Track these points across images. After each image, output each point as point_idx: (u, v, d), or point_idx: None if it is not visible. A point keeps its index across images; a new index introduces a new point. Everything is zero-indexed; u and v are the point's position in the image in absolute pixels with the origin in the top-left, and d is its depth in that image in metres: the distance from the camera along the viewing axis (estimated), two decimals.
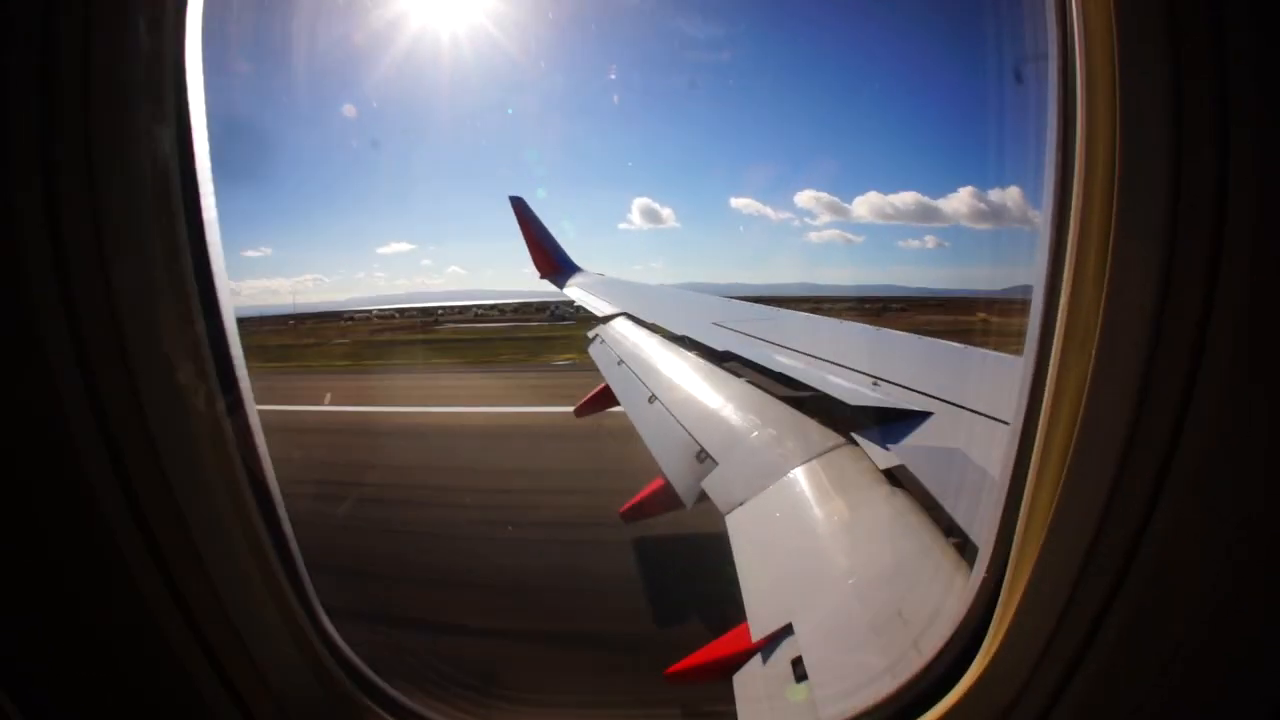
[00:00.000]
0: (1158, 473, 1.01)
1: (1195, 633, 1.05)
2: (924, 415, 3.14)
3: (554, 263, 12.36)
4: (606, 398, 5.99)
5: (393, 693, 1.49)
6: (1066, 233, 1.07)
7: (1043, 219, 1.12)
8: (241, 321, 1.33)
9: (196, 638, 1.24)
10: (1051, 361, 1.11)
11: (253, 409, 1.33)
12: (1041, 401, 1.13)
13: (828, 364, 4.37)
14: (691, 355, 5.54)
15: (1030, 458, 1.16)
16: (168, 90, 1.16)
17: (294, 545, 1.40)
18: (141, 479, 1.18)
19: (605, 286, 10.58)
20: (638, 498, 4.24)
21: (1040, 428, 1.13)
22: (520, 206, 12.43)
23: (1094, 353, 1.03)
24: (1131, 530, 1.04)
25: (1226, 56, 0.91)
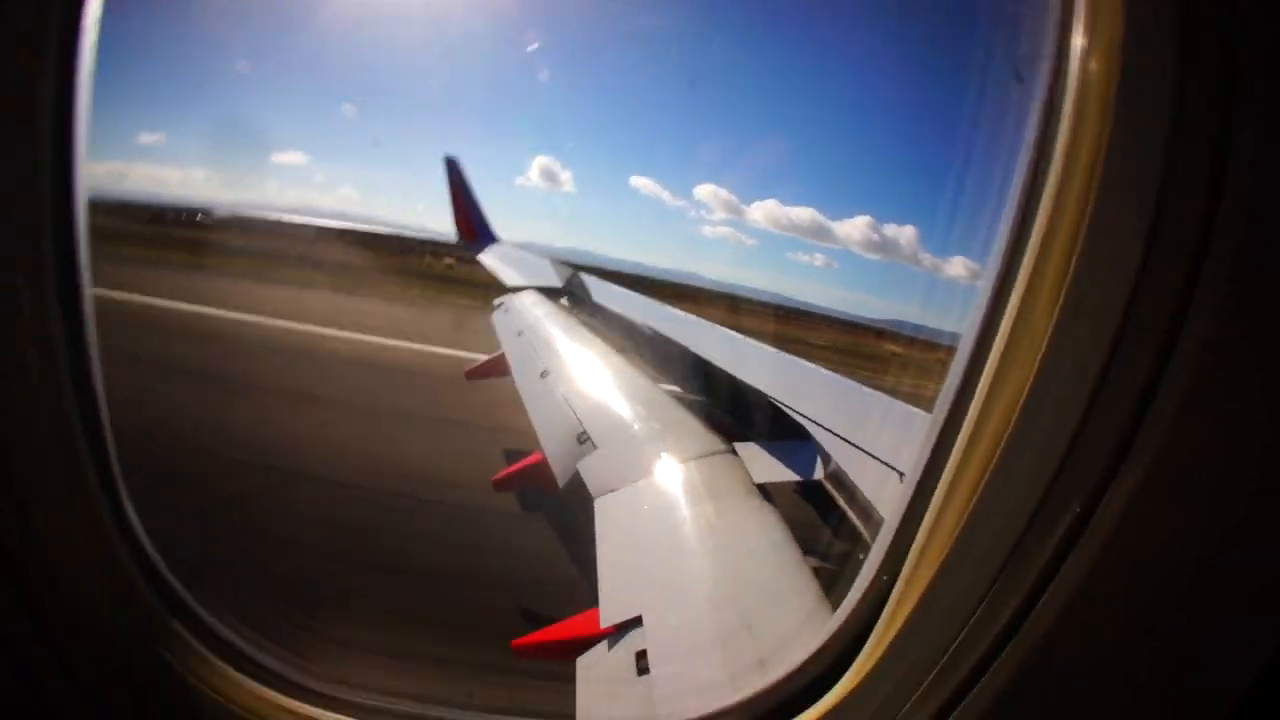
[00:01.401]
0: (1083, 509, 0.98)
1: (1108, 663, 1.02)
2: (806, 437, 3.22)
3: (475, 231, 12.13)
4: (501, 365, 5.88)
5: (201, 613, 1.36)
6: (1015, 274, 1.03)
7: (996, 244, 1.08)
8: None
9: None
10: (989, 362, 1.06)
11: (86, 272, 1.17)
12: (969, 403, 1.09)
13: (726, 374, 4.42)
14: (594, 339, 5.52)
15: (933, 493, 1.12)
16: None
17: (107, 426, 1.24)
18: None
19: (520, 258, 10.45)
20: (513, 468, 4.16)
21: (963, 432, 1.09)
22: (454, 169, 12.12)
23: (1034, 371, 1.00)
24: (1041, 571, 1.00)
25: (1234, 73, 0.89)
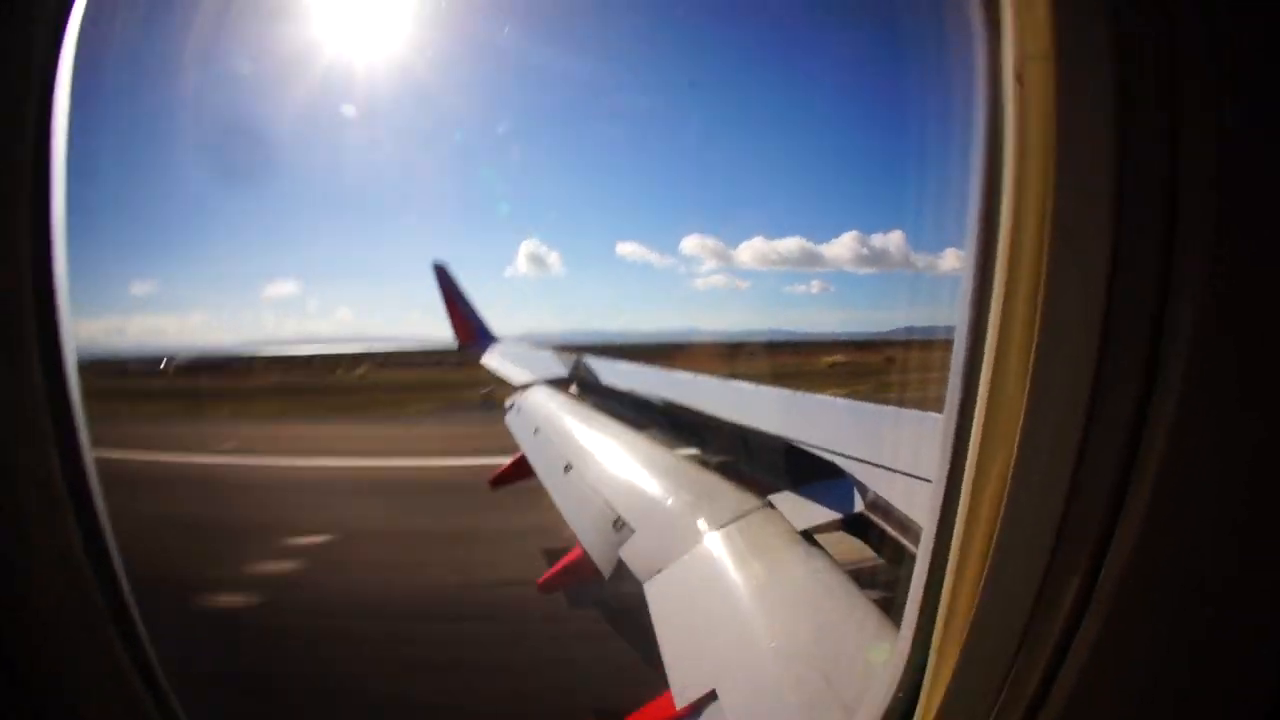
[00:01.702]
0: (1105, 518, 0.98)
1: (1144, 697, 1.02)
2: (839, 473, 3.20)
3: (474, 333, 12.32)
4: (524, 468, 5.88)
5: None
6: (992, 266, 1.03)
7: (966, 249, 1.09)
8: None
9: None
10: (979, 400, 1.06)
11: (75, 392, 1.21)
12: (968, 443, 1.08)
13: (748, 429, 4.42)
14: (609, 422, 5.53)
15: (957, 505, 1.11)
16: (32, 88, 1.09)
17: (136, 613, 1.26)
18: None
19: (523, 355, 10.56)
20: (555, 568, 4.14)
21: (968, 470, 1.08)
22: (443, 275, 12.43)
23: (1028, 387, 1.00)
24: (1077, 588, 1.00)
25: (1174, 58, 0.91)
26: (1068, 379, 0.98)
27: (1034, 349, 0.99)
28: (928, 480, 1.24)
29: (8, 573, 1.11)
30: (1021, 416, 1.01)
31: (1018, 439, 1.02)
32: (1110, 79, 0.93)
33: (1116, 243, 0.94)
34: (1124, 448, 0.96)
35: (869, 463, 3.13)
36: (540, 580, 4.22)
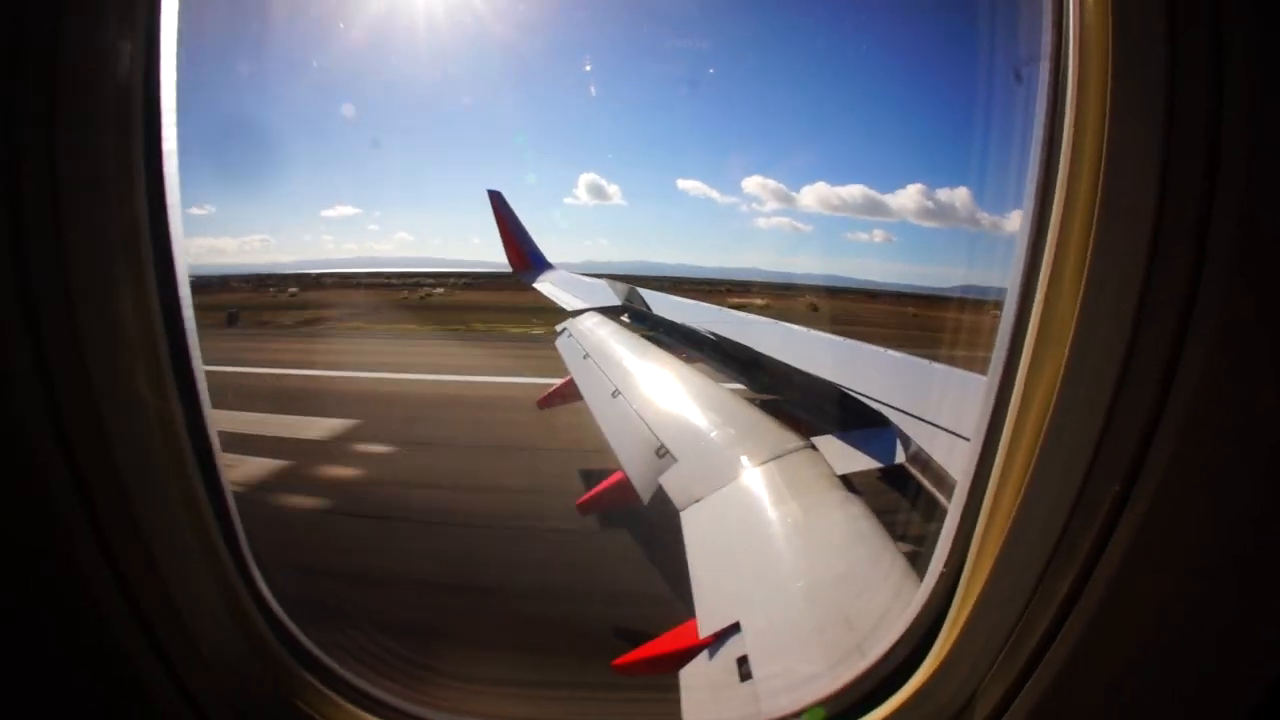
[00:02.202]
0: (1122, 487, 1.00)
1: (1155, 646, 1.05)
2: (883, 423, 3.19)
3: (527, 259, 12.40)
4: (571, 391, 5.97)
5: (337, 668, 1.46)
6: (1045, 238, 1.06)
7: (1021, 223, 1.12)
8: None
9: (129, 604, 1.20)
10: (1020, 368, 1.11)
11: (201, 375, 1.29)
12: (1008, 409, 1.13)
13: (796, 370, 4.41)
14: (659, 352, 5.56)
15: (992, 465, 1.15)
16: (138, 29, 1.13)
17: (235, 513, 1.36)
18: (79, 432, 1.14)
19: (575, 282, 10.62)
20: (595, 490, 4.22)
21: (1005, 435, 1.13)
22: (498, 201, 12.45)
23: (1065, 359, 1.03)
24: (1094, 538, 1.03)
25: (1221, 59, 0.91)
26: (1101, 357, 1.00)
27: (1074, 324, 1.02)
28: (965, 438, 1.27)
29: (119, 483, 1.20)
30: (1058, 385, 1.04)
31: (1052, 405, 1.05)
32: (1160, 77, 0.94)
33: (1157, 225, 0.95)
34: (1145, 425, 0.98)
35: (916, 416, 3.10)
36: (580, 501, 4.33)
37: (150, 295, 1.19)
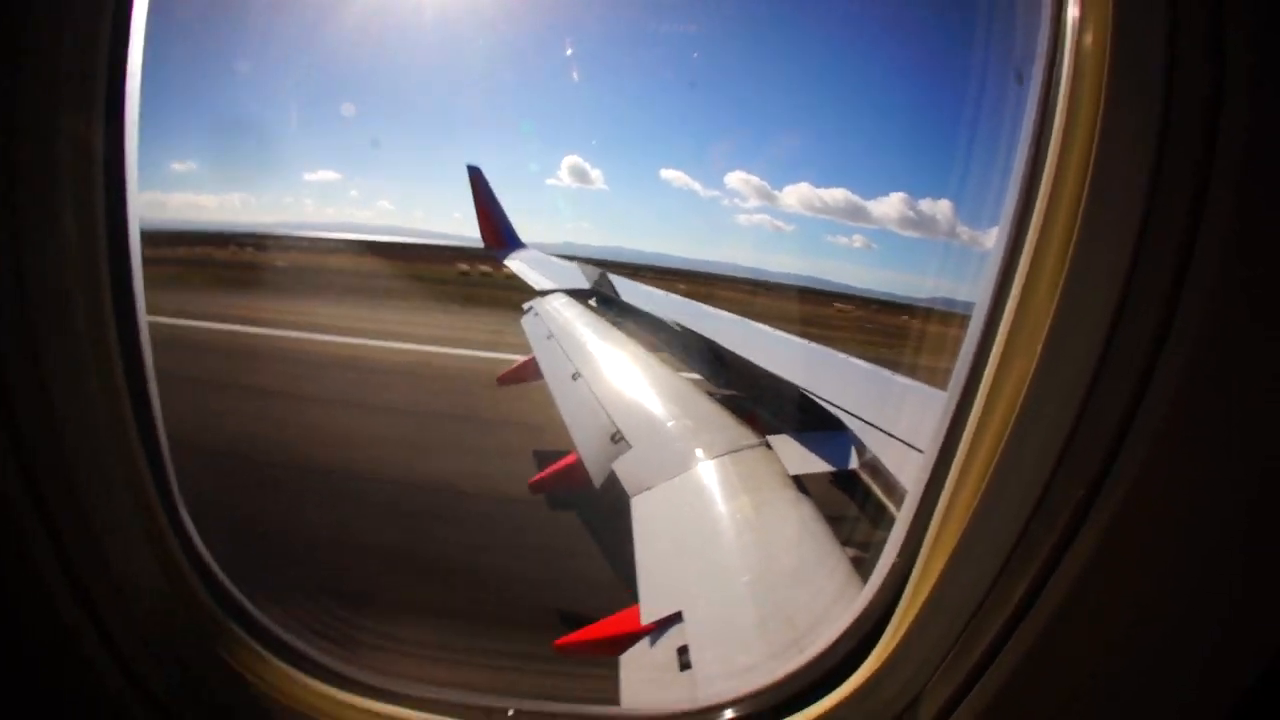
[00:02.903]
0: (1083, 498, 0.99)
1: (1104, 665, 1.05)
2: (840, 427, 3.21)
3: (501, 236, 12.37)
4: (532, 370, 5.94)
5: (255, 612, 1.42)
6: (1020, 252, 1.06)
7: (997, 235, 1.12)
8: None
9: (44, 523, 1.15)
10: (986, 373, 1.10)
11: (140, 293, 1.23)
12: (971, 408, 1.12)
13: (759, 368, 4.43)
14: (623, 338, 5.55)
15: (951, 464, 1.15)
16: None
17: (163, 439, 1.30)
18: (16, 370, 1.08)
19: (546, 262, 10.58)
20: (548, 470, 4.21)
21: (965, 435, 1.12)
22: (477, 178, 12.41)
23: (1033, 369, 1.02)
24: (1049, 553, 1.02)
25: (1221, 89, 0.90)
26: (1067, 380, 1.00)
27: (1044, 336, 1.01)
28: (920, 449, 1.27)
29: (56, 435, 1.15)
30: (1019, 405, 1.04)
31: (1011, 425, 1.05)
32: (1157, 79, 0.93)
33: (1138, 247, 0.94)
34: (1110, 442, 0.98)
35: (872, 425, 3.13)
36: (532, 480, 4.30)
37: (98, 234, 1.13)
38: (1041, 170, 1.04)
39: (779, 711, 1.33)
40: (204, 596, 1.35)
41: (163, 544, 1.30)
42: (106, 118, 1.13)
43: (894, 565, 1.24)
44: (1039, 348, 1.02)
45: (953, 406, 1.16)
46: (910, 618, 1.18)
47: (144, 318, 1.24)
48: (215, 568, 1.38)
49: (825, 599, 1.96)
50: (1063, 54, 1.03)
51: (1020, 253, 1.06)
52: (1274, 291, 0.92)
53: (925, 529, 1.18)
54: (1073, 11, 1.01)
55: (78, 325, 1.15)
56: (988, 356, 1.10)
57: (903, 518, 1.25)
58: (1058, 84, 1.03)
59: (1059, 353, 1.01)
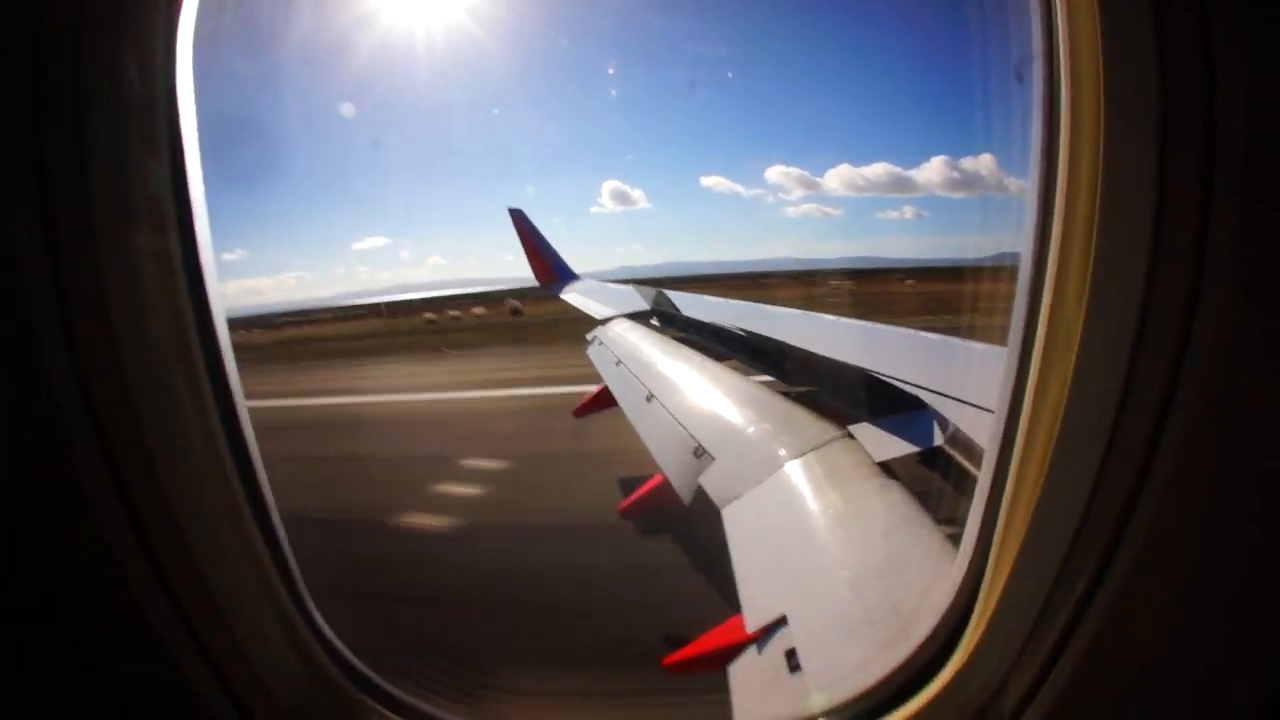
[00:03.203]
0: (1140, 467, 1.00)
1: (1175, 631, 1.05)
2: (919, 406, 3.16)
3: (552, 272, 12.58)
4: (606, 398, 6.01)
5: (393, 689, 1.50)
6: (1050, 228, 1.06)
7: (1026, 214, 1.12)
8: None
9: (194, 642, 1.25)
10: (1035, 353, 1.11)
11: (243, 406, 1.34)
12: (1025, 393, 1.13)
13: (828, 360, 4.40)
14: (690, 352, 5.58)
15: (1013, 449, 1.15)
16: (159, 100, 1.18)
17: (286, 546, 1.41)
18: (136, 482, 1.18)
19: (602, 290, 10.70)
20: (636, 494, 4.25)
21: (1023, 419, 1.13)
22: (519, 219, 12.71)
23: (1078, 345, 1.03)
24: (1113, 524, 1.03)
25: (1213, 39, 0.90)
26: (1113, 328, 1.01)
27: (1085, 300, 1.02)
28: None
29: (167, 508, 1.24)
30: (1075, 350, 1.04)
31: (1071, 371, 1.05)
32: (1150, 47, 0.94)
33: (1155, 237, 0.96)
34: (1160, 399, 0.98)
35: (949, 396, 3.07)
36: (621, 506, 4.36)
37: (188, 324, 1.24)
38: (1058, 119, 1.05)
39: (876, 712, 1.34)
40: (343, 683, 1.44)
41: (291, 627, 1.39)
42: (179, 228, 1.23)
43: (976, 543, 1.25)
44: (1083, 308, 1.02)
45: (1014, 367, 1.17)
46: (990, 609, 1.19)
47: (245, 411, 1.35)
48: (342, 646, 1.48)
49: (924, 582, 1.94)
50: (1057, 30, 1.04)
51: (1052, 210, 1.07)
52: None
53: (996, 516, 1.19)
54: (1064, 38, 1.03)
55: (183, 421, 1.25)
56: (1037, 319, 1.11)
57: (980, 486, 1.27)
58: (1058, 41, 1.04)
59: (1091, 363, 1.03)
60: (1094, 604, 1.06)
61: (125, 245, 1.16)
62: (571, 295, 10.75)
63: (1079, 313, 1.02)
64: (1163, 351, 0.97)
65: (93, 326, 1.14)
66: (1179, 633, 1.04)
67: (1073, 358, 1.04)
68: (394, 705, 1.48)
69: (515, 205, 12.88)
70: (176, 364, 1.23)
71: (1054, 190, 1.06)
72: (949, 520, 2.22)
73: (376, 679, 1.50)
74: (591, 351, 6.93)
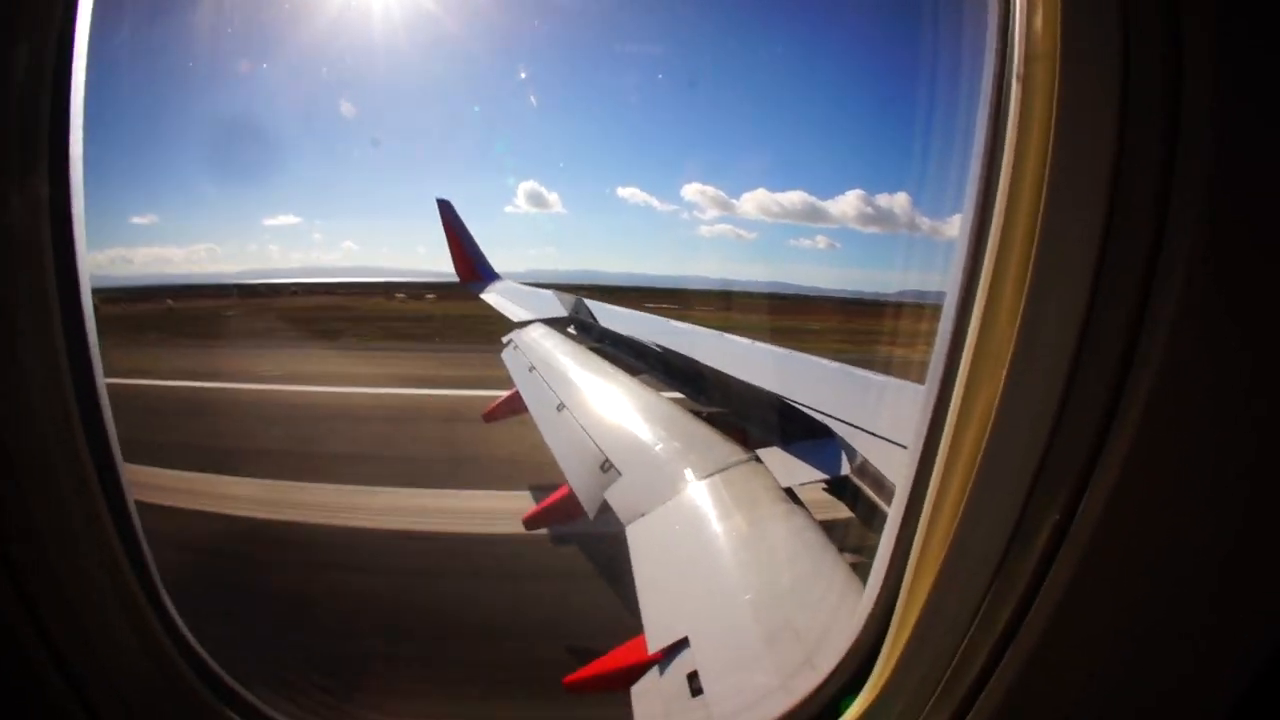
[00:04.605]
0: (1067, 507, 0.99)
1: (1100, 675, 1.04)
2: (828, 435, 3.22)
3: (475, 269, 12.32)
4: (517, 403, 5.91)
5: (243, 692, 1.40)
6: (985, 245, 1.05)
7: (960, 230, 1.11)
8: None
9: (40, 634, 1.14)
10: (957, 386, 1.10)
11: (104, 390, 1.22)
12: (944, 427, 1.12)
13: (742, 383, 4.45)
14: (605, 364, 5.55)
15: (929, 483, 1.15)
16: (48, 37, 1.08)
17: (141, 535, 1.29)
18: None
19: (523, 293, 10.57)
20: (541, 505, 4.18)
21: (941, 454, 1.12)
22: (447, 211, 12.37)
23: (1005, 376, 1.02)
24: (1035, 565, 1.02)
25: (1180, 54, 0.90)
26: (1045, 366, 1.00)
27: (1016, 333, 1.01)
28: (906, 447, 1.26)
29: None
30: (999, 394, 1.03)
31: (994, 414, 1.04)
32: (1114, 79, 0.93)
33: (1105, 238, 0.95)
34: (1094, 436, 0.97)
35: (860, 428, 3.15)
36: (526, 516, 4.27)
37: (52, 305, 1.13)
38: (1000, 159, 1.04)
39: None
40: (193, 681, 1.34)
41: (140, 617, 1.29)
42: (51, 177, 1.13)
43: (887, 572, 1.24)
44: (1012, 341, 1.01)
45: (930, 410, 1.16)
46: (901, 645, 1.18)
47: (104, 389, 1.24)
48: (199, 647, 1.37)
49: (828, 610, 1.96)
50: (1013, 34, 1.02)
51: (984, 247, 1.06)
52: (1249, 272, 0.92)
53: (912, 539, 1.18)
54: (1018, 34, 1.01)
55: (36, 403, 1.14)
56: (961, 352, 1.10)
57: (891, 519, 1.26)
58: (1010, 65, 1.03)
59: (1034, 343, 1.00)
60: (1015, 645, 1.05)
61: None
62: (491, 296, 10.57)
63: (1008, 345, 1.02)
64: (1099, 391, 0.97)
65: None
66: (1104, 677, 1.04)
67: (999, 389, 1.03)
68: (244, 709, 1.39)
69: (433, 196, 12.55)
70: (32, 338, 1.11)
71: (989, 222, 1.05)
72: (855, 549, 2.26)
73: (230, 681, 1.40)
74: (506, 355, 6.81)
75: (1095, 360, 0.97)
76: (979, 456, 1.06)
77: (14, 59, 1.06)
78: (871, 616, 1.27)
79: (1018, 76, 1.01)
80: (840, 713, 1.27)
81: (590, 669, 2.27)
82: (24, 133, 1.09)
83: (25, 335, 1.11)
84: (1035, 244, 0.99)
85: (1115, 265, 0.95)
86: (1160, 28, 0.90)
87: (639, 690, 1.92)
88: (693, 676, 1.83)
